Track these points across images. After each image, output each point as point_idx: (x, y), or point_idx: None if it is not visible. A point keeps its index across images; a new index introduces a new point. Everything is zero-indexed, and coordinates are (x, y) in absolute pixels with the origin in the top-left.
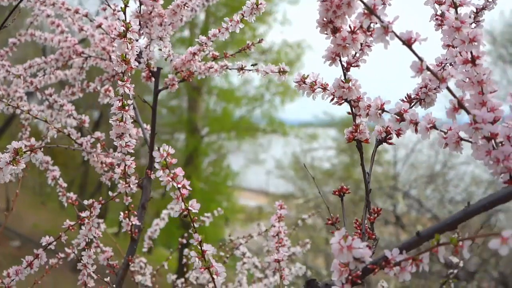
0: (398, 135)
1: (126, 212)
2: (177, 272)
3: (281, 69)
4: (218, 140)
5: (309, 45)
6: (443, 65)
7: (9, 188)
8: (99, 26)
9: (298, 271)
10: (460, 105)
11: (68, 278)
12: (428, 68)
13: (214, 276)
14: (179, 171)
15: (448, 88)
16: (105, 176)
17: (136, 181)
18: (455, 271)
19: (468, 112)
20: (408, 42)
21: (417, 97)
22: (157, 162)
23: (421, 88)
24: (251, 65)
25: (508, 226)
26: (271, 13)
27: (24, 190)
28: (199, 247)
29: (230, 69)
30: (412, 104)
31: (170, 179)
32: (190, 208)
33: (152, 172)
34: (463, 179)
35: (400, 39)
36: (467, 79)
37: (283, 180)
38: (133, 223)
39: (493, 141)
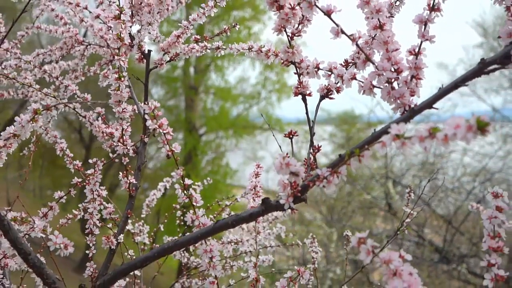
0: (337, 91)
1: (125, 172)
2: (178, 270)
3: (250, 46)
4: (216, 139)
5: (304, 42)
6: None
7: (10, 191)
8: (97, 17)
9: (279, 231)
10: (367, 59)
11: (72, 278)
12: (342, 31)
13: (194, 203)
14: (164, 121)
15: (357, 45)
16: (106, 144)
17: (132, 144)
18: (408, 220)
19: (373, 63)
20: (328, 13)
21: (353, 61)
22: (146, 113)
23: (355, 53)
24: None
25: None
26: (266, 12)
27: (24, 193)
28: (182, 181)
29: (208, 49)
30: (349, 66)
31: (158, 127)
32: (173, 149)
33: (146, 137)
34: (457, 169)
35: (322, 11)
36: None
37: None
38: (131, 181)
39: (395, 85)
